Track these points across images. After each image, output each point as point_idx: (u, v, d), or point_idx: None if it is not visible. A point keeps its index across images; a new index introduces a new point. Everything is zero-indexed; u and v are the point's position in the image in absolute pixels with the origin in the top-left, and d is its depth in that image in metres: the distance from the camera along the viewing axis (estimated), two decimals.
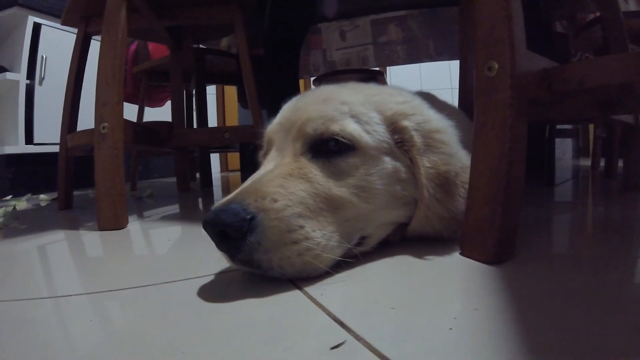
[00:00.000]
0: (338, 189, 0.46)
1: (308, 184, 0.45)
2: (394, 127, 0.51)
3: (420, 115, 0.53)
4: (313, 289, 0.39)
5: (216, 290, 0.41)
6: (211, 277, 0.45)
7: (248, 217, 0.40)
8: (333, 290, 0.39)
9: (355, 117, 0.50)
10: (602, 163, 1.84)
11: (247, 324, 0.33)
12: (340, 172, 0.48)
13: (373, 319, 0.32)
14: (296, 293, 0.39)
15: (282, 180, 0.44)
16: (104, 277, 0.49)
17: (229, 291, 0.41)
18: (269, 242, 0.40)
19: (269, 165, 0.49)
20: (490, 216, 0.44)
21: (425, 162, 0.50)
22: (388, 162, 0.50)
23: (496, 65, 0.44)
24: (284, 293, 0.39)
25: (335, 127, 0.48)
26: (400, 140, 0.51)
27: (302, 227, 0.42)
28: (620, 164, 1.40)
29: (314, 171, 0.47)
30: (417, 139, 0.51)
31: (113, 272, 0.51)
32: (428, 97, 0.63)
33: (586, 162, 2.30)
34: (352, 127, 0.49)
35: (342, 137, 0.48)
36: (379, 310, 0.34)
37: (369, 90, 0.56)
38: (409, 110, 0.53)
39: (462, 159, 0.52)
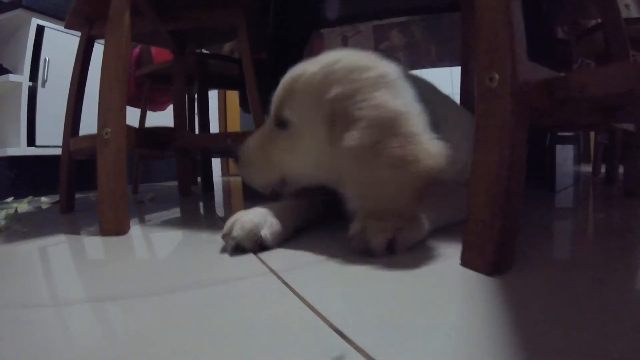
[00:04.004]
0: None
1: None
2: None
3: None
4: (315, 299, 0.39)
5: (220, 299, 0.41)
6: (215, 286, 0.45)
7: None
8: (334, 300, 0.39)
9: None
10: (603, 169, 1.85)
11: (251, 332, 0.33)
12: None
13: (373, 329, 0.32)
14: (296, 302, 0.39)
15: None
16: (107, 285, 0.49)
17: (233, 300, 0.41)
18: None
19: None
20: (489, 223, 0.44)
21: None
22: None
23: (497, 76, 0.44)
24: (284, 301, 0.39)
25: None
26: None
27: None
28: (621, 170, 1.40)
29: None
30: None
31: (116, 280, 0.51)
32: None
33: (587, 168, 2.30)
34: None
35: None
36: (378, 320, 0.34)
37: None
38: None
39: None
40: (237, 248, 0.58)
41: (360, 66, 0.60)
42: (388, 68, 0.61)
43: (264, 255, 0.57)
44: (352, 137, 0.54)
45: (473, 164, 0.47)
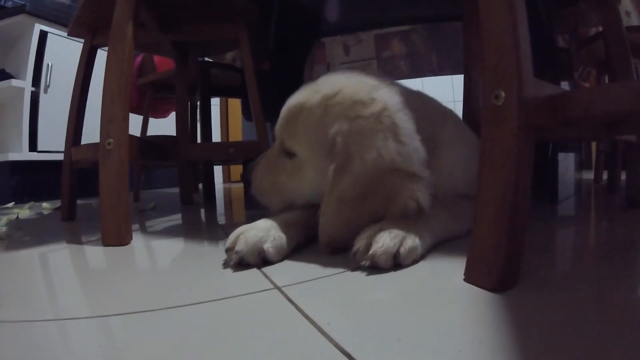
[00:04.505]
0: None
1: None
2: None
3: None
4: (320, 317, 0.39)
5: (224, 317, 0.41)
6: (219, 302, 0.45)
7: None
8: (339, 318, 0.39)
9: None
10: (605, 175, 1.84)
11: (255, 353, 0.33)
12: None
13: (379, 349, 0.32)
14: (301, 320, 0.39)
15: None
16: (111, 299, 0.49)
17: (237, 318, 0.41)
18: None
19: None
20: (495, 245, 0.44)
21: None
22: None
23: (503, 94, 0.44)
24: (288, 319, 0.39)
25: None
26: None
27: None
28: (623, 176, 1.40)
29: None
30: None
31: (119, 294, 0.51)
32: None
33: (589, 175, 2.30)
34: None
35: None
36: (384, 339, 0.34)
37: None
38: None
39: None
40: (241, 262, 0.58)
41: (360, 100, 0.61)
42: (389, 100, 0.62)
43: (268, 269, 0.56)
44: (346, 183, 0.58)
45: (479, 185, 0.47)
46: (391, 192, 0.58)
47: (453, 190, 0.72)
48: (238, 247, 0.57)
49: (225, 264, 0.60)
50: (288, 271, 0.56)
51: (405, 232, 0.55)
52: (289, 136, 0.67)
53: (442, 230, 0.64)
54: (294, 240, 0.64)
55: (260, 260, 0.58)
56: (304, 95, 0.66)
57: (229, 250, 0.58)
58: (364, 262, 0.53)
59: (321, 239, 0.61)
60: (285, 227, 0.63)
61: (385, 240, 0.53)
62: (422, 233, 0.58)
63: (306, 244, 0.68)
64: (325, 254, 0.61)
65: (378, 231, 0.55)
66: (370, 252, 0.52)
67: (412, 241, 0.54)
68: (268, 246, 0.58)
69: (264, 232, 0.60)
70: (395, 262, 0.53)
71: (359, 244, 0.54)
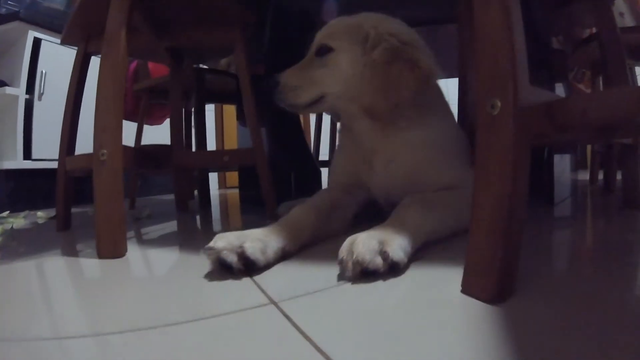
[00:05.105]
0: None
1: None
2: None
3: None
4: (316, 334, 0.38)
5: (219, 335, 0.40)
6: (214, 319, 0.44)
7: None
8: (333, 332, 0.39)
9: None
10: (601, 175, 1.85)
11: None
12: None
13: None
14: (298, 338, 0.38)
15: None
16: (106, 316, 0.48)
17: (232, 337, 0.40)
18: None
19: None
20: (491, 255, 0.44)
21: None
22: None
23: (499, 104, 0.43)
24: (285, 337, 0.38)
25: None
26: None
27: None
28: (619, 176, 1.40)
29: None
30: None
31: (115, 310, 0.50)
32: None
33: (584, 176, 2.30)
34: None
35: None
36: (384, 357, 0.33)
37: None
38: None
39: None
40: (220, 261, 0.57)
41: (389, 18, 0.85)
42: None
43: (262, 281, 0.56)
44: (379, 50, 0.77)
45: (474, 192, 0.46)
46: (410, 60, 0.76)
47: (433, 172, 0.81)
48: (216, 245, 0.57)
49: (206, 275, 0.58)
50: (284, 283, 0.56)
51: (384, 233, 0.56)
52: (330, 36, 0.85)
53: (430, 226, 0.65)
54: (280, 244, 0.63)
55: (242, 261, 0.57)
56: (345, 16, 0.88)
57: (208, 250, 0.58)
58: (352, 274, 0.52)
59: (360, 108, 0.81)
60: (269, 232, 0.64)
61: (364, 240, 0.53)
62: (403, 231, 0.58)
63: (298, 252, 0.68)
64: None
65: (356, 238, 0.55)
66: (354, 257, 0.52)
67: (394, 239, 0.55)
68: (248, 244, 0.58)
69: (242, 234, 0.61)
70: (388, 263, 0.52)
71: (342, 254, 0.54)
